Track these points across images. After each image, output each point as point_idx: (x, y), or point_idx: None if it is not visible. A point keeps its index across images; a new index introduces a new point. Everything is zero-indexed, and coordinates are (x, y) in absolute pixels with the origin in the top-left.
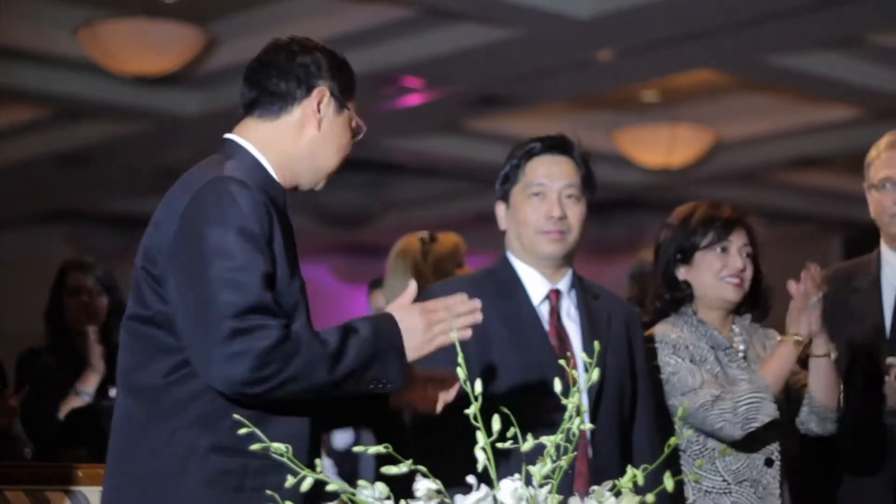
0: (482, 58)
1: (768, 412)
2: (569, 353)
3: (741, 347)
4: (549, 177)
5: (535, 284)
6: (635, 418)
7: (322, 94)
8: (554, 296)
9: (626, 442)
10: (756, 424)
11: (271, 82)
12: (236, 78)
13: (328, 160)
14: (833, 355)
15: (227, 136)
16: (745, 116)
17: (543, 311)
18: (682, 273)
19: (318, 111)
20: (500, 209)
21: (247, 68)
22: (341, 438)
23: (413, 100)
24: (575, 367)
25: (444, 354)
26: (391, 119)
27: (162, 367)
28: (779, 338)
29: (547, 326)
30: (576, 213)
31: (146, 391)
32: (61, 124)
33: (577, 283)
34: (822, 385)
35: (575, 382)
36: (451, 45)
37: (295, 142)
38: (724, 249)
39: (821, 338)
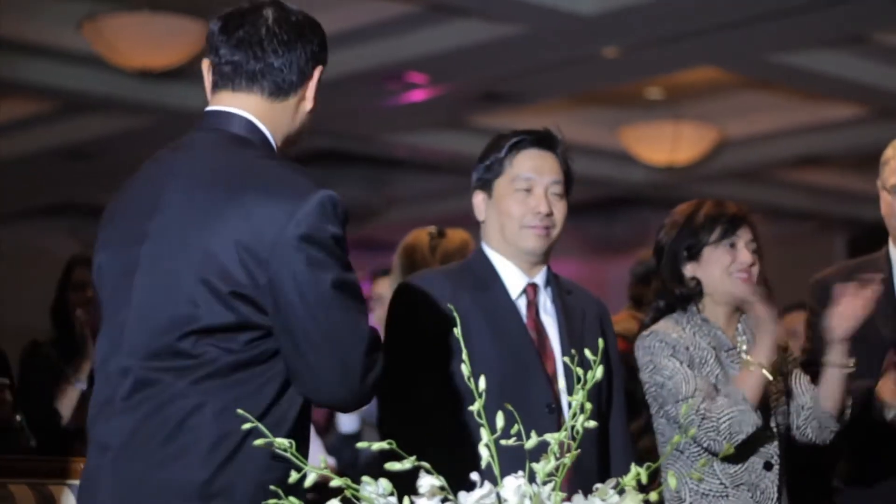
0: (486, 54)
1: (751, 423)
2: (573, 352)
3: (744, 347)
4: (537, 171)
5: (513, 278)
6: (610, 413)
7: (321, 73)
8: (531, 290)
9: (603, 436)
10: (741, 437)
11: (282, 58)
12: None
13: (303, 136)
14: (848, 369)
15: (243, 114)
16: (749, 114)
17: (521, 304)
18: (689, 270)
19: (315, 89)
20: (479, 199)
21: (236, 30)
22: (347, 423)
23: (417, 95)
24: (553, 364)
25: (444, 349)
26: (395, 114)
27: (236, 387)
28: (748, 358)
29: (525, 320)
30: (560, 209)
31: (216, 395)
32: (65, 118)
33: (553, 279)
34: (830, 394)
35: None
36: (456, 41)
37: (293, 120)
38: (732, 245)
39: (840, 348)
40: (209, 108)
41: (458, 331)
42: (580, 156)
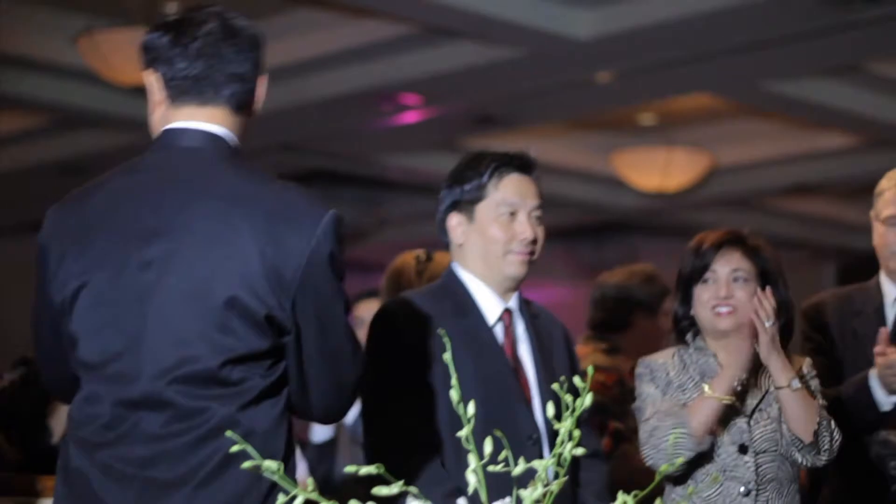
0: (480, 77)
1: (689, 447)
2: (563, 378)
3: (743, 376)
4: (522, 196)
5: (490, 303)
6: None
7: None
8: (507, 316)
9: (575, 459)
10: (680, 459)
11: (242, 67)
12: None
13: None
14: (794, 386)
15: (218, 130)
16: (742, 141)
17: (498, 331)
18: (692, 308)
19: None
20: (455, 221)
21: (192, 41)
22: (320, 432)
23: (410, 117)
24: (531, 391)
25: (427, 372)
26: (388, 136)
27: (271, 409)
28: (705, 386)
29: (503, 347)
30: (541, 234)
31: (260, 421)
32: (59, 133)
33: (524, 304)
34: (789, 416)
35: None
36: (450, 63)
37: (244, 130)
38: (709, 279)
39: (776, 367)
40: (180, 126)
41: (447, 356)
42: (572, 180)
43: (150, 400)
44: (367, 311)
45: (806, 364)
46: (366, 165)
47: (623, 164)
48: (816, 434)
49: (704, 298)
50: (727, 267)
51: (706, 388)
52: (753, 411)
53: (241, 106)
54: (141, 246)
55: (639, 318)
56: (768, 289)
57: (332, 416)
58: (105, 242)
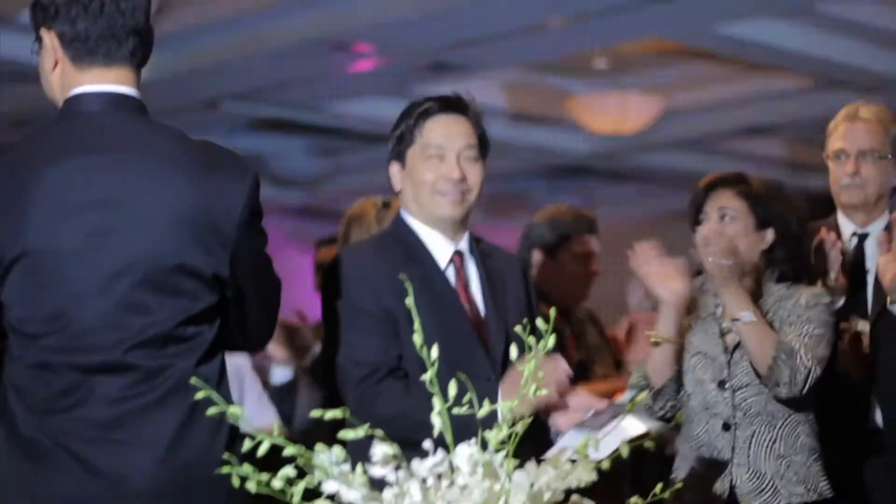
0: (433, 23)
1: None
2: (525, 321)
3: (676, 315)
4: (448, 137)
5: (439, 247)
6: None
7: None
8: (458, 259)
9: None
10: (643, 395)
11: (142, 23)
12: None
13: None
14: (744, 319)
15: (129, 92)
16: (695, 84)
17: (450, 274)
18: None
19: None
20: (395, 169)
21: (90, 1)
22: (280, 374)
23: (364, 65)
24: (486, 332)
25: (393, 319)
26: (342, 84)
27: (216, 360)
28: (650, 332)
29: (456, 290)
30: (475, 173)
31: (213, 370)
32: (6, 87)
33: (475, 245)
34: (746, 349)
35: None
36: (403, 10)
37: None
38: (703, 220)
39: (726, 301)
40: (92, 90)
41: (409, 301)
42: (526, 125)
43: (111, 366)
44: (327, 257)
45: (808, 294)
46: (320, 114)
47: (577, 108)
48: (771, 368)
49: (699, 240)
50: (715, 206)
51: (649, 333)
52: (735, 348)
53: (141, 62)
54: (82, 215)
55: (537, 260)
56: (707, 227)
57: (262, 345)
58: (40, 214)
